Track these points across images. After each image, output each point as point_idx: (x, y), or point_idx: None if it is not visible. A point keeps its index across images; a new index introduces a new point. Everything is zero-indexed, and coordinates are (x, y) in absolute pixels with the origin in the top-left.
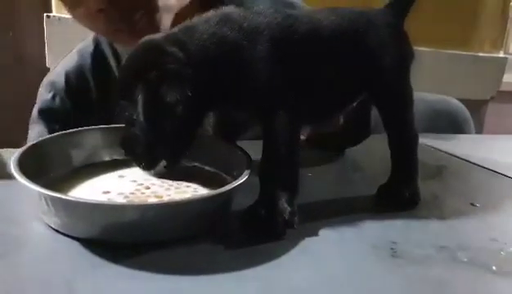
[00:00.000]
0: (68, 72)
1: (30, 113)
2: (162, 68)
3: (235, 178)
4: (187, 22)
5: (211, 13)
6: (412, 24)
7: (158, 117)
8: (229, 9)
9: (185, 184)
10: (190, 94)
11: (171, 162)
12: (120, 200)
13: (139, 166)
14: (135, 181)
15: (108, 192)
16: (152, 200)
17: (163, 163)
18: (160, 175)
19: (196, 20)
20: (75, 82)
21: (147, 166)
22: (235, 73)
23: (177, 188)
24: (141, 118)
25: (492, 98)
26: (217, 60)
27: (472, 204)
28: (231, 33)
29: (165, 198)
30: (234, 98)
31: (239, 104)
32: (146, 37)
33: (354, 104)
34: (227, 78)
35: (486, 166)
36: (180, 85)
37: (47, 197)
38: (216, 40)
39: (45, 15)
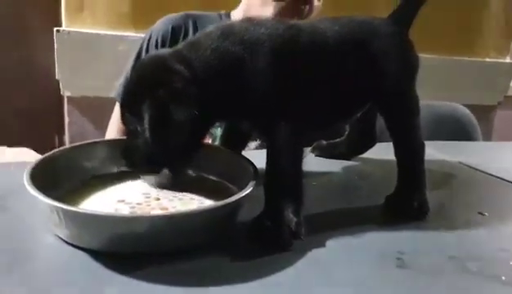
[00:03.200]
0: None
1: (42, 122)
2: (169, 86)
3: (241, 188)
4: (191, 37)
5: (213, 26)
6: (419, 32)
7: (164, 133)
8: (231, 21)
9: (190, 195)
10: (196, 112)
11: (175, 174)
12: (126, 211)
13: (140, 173)
14: (142, 192)
15: (121, 201)
16: (157, 212)
17: (166, 174)
18: (166, 186)
19: (199, 34)
20: None
21: (147, 171)
22: (237, 86)
23: (181, 199)
24: (148, 133)
25: (500, 103)
26: (220, 74)
27: (480, 213)
28: (232, 46)
29: (171, 210)
30: (237, 110)
31: (241, 116)
32: (153, 53)
33: (359, 114)
34: (230, 92)
35: (494, 174)
36: (187, 104)
37: (58, 209)
38: (218, 55)
39: (55, 29)
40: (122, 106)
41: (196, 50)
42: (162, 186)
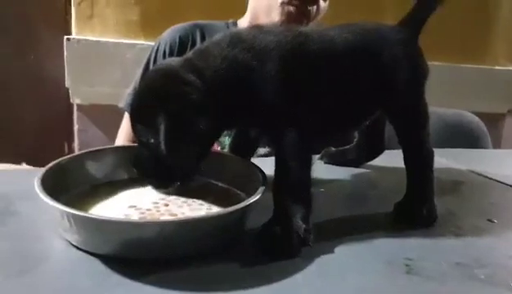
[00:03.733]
0: None
1: (51, 130)
2: (183, 98)
3: (250, 195)
4: (200, 46)
5: (222, 34)
6: (427, 40)
7: (180, 145)
8: (239, 29)
9: (199, 201)
10: (210, 124)
11: (185, 181)
12: (135, 217)
13: (152, 185)
14: (151, 198)
15: (131, 207)
16: (166, 217)
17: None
18: (175, 193)
19: (208, 42)
20: None
21: (162, 186)
22: (247, 94)
23: (190, 205)
24: (163, 145)
25: (510, 111)
26: (231, 83)
27: (489, 220)
28: (241, 54)
29: (179, 216)
30: (246, 118)
31: (251, 123)
32: (163, 63)
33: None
34: (240, 99)
35: (503, 181)
36: (201, 115)
37: (69, 214)
38: (228, 63)
39: (65, 37)
40: (132, 117)
41: (206, 59)
42: (167, 193)
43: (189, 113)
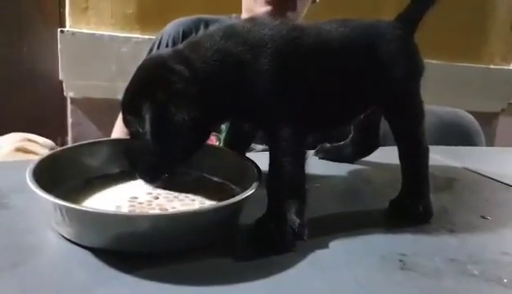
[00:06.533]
0: None
1: (44, 124)
2: (169, 87)
3: (245, 189)
4: (193, 37)
5: (216, 26)
6: (423, 38)
7: (165, 135)
8: (233, 21)
9: (192, 195)
10: (196, 114)
11: (171, 173)
12: (125, 210)
13: (142, 178)
14: (144, 192)
15: (122, 200)
16: (155, 212)
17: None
18: (168, 187)
19: (202, 34)
20: None
21: (150, 179)
22: (239, 87)
23: (182, 200)
24: (149, 135)
25: (503, 111)
26: (222, 75)
27: (483, 217)
28: (235, 47)
29: (170, 210)
30: (239, 112)
31: (244, 117)
32: (154, 54)
33: (364, 116)
34: (232, 93)
35: (497, 178)
36: (187, 105)
37: (61, 207)
38: (220, 56)
39: (59, 29)
40: (122, 107)
41: (197, 50)
42: (156, 186)
43: (175, 102)
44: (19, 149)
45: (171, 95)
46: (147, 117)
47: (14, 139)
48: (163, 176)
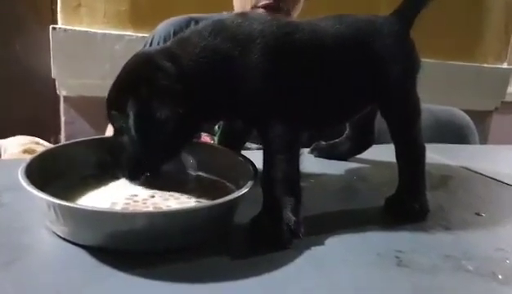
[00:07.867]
0: None
1: (36, 122)
2: (153, 83)
3: (240, 187)
4: (182, 33)
5: (205, 22)
6: (418, 36)
7: (148, 131)
8: (224, 16)
9: (187, 194)
10: (180, 111)
11: (153, 173)
12: (119, 208)
13: (123, 175)
14: (140, 190)
15: (117, 198)
16: (149, 210)
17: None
18: (162, 185)
19: (191, 30)
20: None
21: (130, 176)
22: (228, 85)
23: (177, 198)
24: (132, 131)
25: (497, 109)
26: (210, 72)
27: (477, 214)
28: (223, 43)
29: (164, 208)
30: (228, 109)
31: (234, 114)
32: (141, 50)
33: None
34: (220, 90)
35: (491, 176)
36: (171, 102)
37: (55, 205)
38: (208, 53)
39: (51, 26)
40: (107, 103)
41: (185, 47)
42: (139, 184)
43: (158, 99)
44: (26, 151)
45: (155, 92)
46: (131, 113)
47: (22, 141)
48: (144, 175)
